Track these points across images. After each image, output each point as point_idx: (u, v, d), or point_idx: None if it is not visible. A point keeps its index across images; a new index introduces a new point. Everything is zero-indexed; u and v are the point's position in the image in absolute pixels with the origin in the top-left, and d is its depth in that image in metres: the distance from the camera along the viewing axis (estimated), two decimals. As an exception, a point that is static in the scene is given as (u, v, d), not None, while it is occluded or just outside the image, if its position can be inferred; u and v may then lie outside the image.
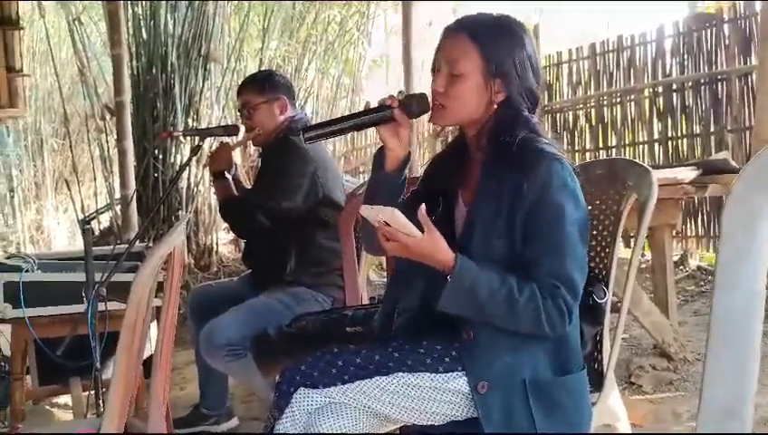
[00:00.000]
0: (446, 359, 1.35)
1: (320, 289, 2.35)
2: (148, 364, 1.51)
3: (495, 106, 1.38)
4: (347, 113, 7.04)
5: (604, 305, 1.50)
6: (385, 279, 4.54)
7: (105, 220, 5.65)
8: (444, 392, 1.34)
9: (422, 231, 1.28)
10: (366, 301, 2.49)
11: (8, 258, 2.53)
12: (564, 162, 1.34)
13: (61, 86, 7.04)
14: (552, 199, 1.31)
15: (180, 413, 2.63)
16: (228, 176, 2.44)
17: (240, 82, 2.74)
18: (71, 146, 7.02)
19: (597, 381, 1.50)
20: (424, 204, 1.30)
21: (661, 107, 5.50)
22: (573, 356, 1.38)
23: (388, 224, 1.28)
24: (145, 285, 1.13)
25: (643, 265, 3.93)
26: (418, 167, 4.04)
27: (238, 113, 2.57)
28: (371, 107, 1.48)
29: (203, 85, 5.51)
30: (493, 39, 1.37)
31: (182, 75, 5.37)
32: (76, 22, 5.77)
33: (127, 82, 4.54)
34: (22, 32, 6.11)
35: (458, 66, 1.37)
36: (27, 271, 2.34)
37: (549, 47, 6.54)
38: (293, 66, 6.27)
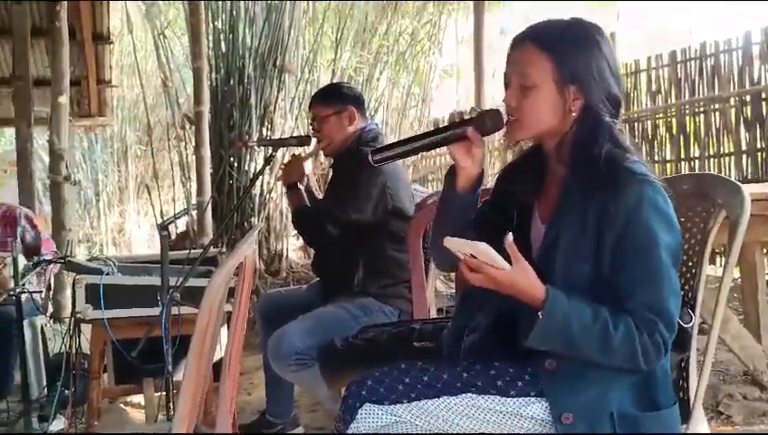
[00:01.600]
0: (519, 383, 1.29)
1: (387, 301, 2.33)
2: (216, 368, 1.53)
3: (574, 114, 1.30)
4: (416, 123, 7.10)
5: (691, 330, 1.40)
6: (452, 290, 4.49)
7: (182, 225, 5.85)
8: (515, 417, 1.28)
9: (508, 261, 1.21)
10: (434, 313, 2.46)
11: (90, 260, 2.63)
12: (656, 184, 1.25)
13: (145, 97, 7.38)
14: (643, 224, 1.22)
15: (247, 419, 2.67)
16: (301, 187, 2.47)
17: (312, 93, 2.79)
18: (152, 153, 7.33)
19: (683, 412, 1.40)
20: (510, 233, 1.23)
21: (749, 116, 5.22)
22: (664, 389, 1.30)
23: (473, 256, 1.22)
24: (217, 291, 1.15)
25: (731, 285, 3.69)
26: (489, 177, 3.98)
27: (311, 124, 2.61)
28: (442, 126, 1.44)
29: (277, 96, 5.65)
30: (564, 44, 1.30)
31: (258, 86, 5.53)
32: (161, 36, 6.05)
33: (206, 93, 4.71)
34: (111, 46, 6.47)
35: (528, 77, 1.30)
36: (108, 274, 2.43)
37: (627, 54, 6.34)
38: (365, 76, 6.33)
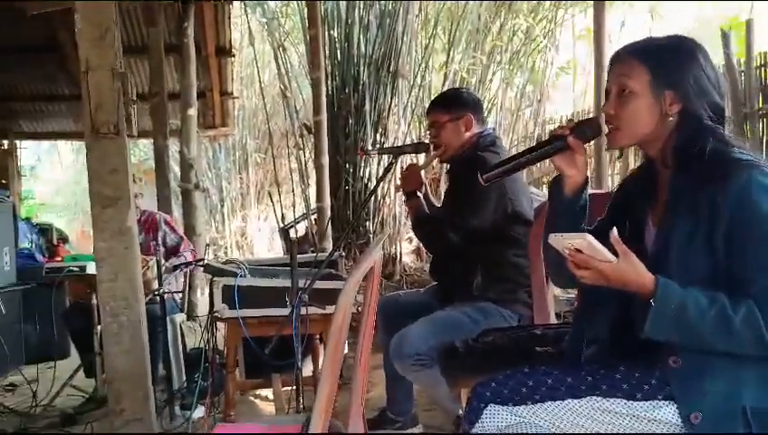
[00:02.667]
0: (645, 386, 1.29)
1: (506, 305, 2.33)
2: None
3: (671, 118, 1.35)
4: (531, 123, 6.94)
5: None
6: (569, 295, 4.37)
7: (301, 229, 6.11)
8: (643, 421, 1.28)
9: (615, 255, 1.23)
10: (553, 318, 2.42)
11: (225, 263, 2.83)
12: (764, 168, 1.26)
13: (266, 106, 7.77)
14: (756, 210, 1.22)
15: (368, 415, 2.75)
16: (419, 194, 2.51)
17: (424, 97, 2.83)
18: (273, 160, 7.69)
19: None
20: (615, 227, 1.26)
21: None
22: None
23: (579, 251, 1.24)
24: (352, 293, 1.22)
25: None
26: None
27: (423, 129, 2.66)
28: (543, 140, 1.49)
29: (390, 102, 5.75)
30: (659, 53, 1.37)
31: (372, 93, 5.67)
32: (280, 48, 6.34)
33: (324, 103, 4.89)
34: (233, 59, 6.88)
35: (627, 85, 1.37)
36: (241, 276, 2.61)
37: (763, 45, 5.85)
38: (478, 77, 6.29)
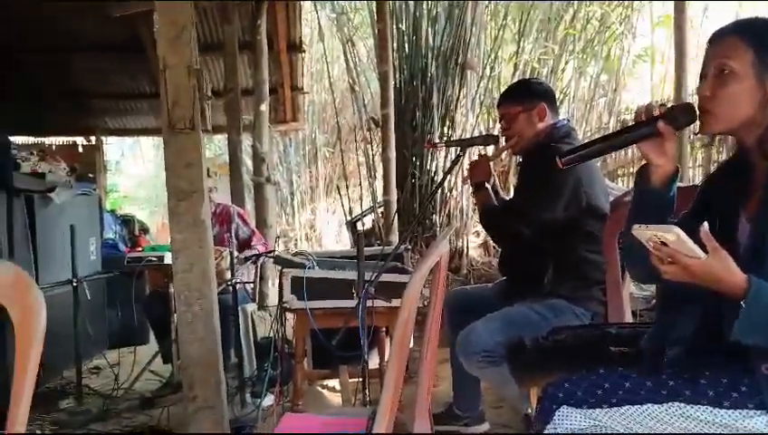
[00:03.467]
0: (734, 393, 1.21)
1: (579, 302, 2.25)
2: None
3: None
4: (605, 113, 6.70)
5: None
6: (645, 292, 4.19)
7: (368, 222, 6.15)
8: (729, 430, 1.20)
9: (704, 251, 1.15)
10: (628, 316, 2.33)
11: (294, 255, 2.88)
12: None
13: (335, 101, 7.85)
14: None
15: (433, 410, 2.73)
16: (488, 186, 2.46)
17: (493, 89, 2.77)
18: (341, 154, 7.77)
19: None
20: (706, 222, 1.18)
21: None
22: None
23: (664, 244, 1.16)
24: (416, 289, 1.20)
25: None
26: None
27: (492, 120, 2.60)
28: (630, 124, 1.38)
29: (459, 94, 5.69)
30: (767, 36, 1.28)
31: (440, 85, 5.62)
32: (349, 43, 6.39)
33: (391, 96, 4.89)
34: (304, 55, 6.98)
35: (728, 66, 1.28)
36: (309, 268, 2.64)
37: None
38: (549, 68, 6.13)
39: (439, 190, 5.54)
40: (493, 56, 5.98)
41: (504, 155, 5.68)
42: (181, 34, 2.25)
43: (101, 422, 3.06)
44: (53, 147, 7.72)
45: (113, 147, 10.24)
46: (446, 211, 5.71)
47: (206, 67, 6.56)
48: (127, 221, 6.18)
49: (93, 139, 7.95)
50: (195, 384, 2.35)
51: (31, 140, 7.58)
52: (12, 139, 4.61)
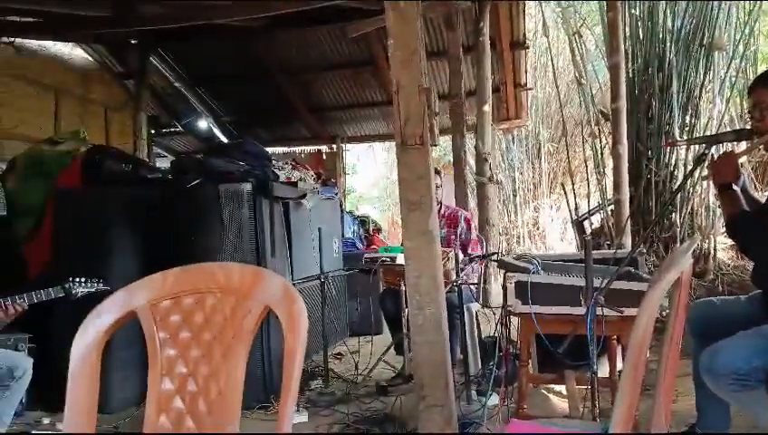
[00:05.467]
0: None
1: None
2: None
3: None
4: None
5: None
6: None
7: (596, 221, 5.86)
8: None
9: None
10: None
11: (518, 258, 2.88)
12: None
13: (559, 94, 7.61)
14: None
15: (672, 429, 2.53)
16: (736, 188, 2.18)
17: (748, 69, 2.43)
18: (566, 149, 7.51)
19: None
20: None
21: None
22: None
23: None
24: (654, 307, 1.13)
25: None
26: None
27: (748, 112, 2.29)
28: None
29: (703, 79, 5.14)
30: None
31: (680, 71, 5.13)
32: (575, 35, 6.14)
33: (623, 88, 4.60)
34: (527, 51, 6.88)
35: None
36: (534, 272, 2.62)
37: None
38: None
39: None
40: (747, 30, 5.25)
41: (759, 149, 4.99)
42: (412, 57, 2.39)
43: (344, 404, 3.38)
44: (302, 155, 8.78)
45: (351, 152, 11.17)
46: (689, 208, 5.18)
47: (431, 72, 6.83)
48: (363, 221, 6.75)
49: (335, 146, 8.81)
50: (425, 384, 2.47)
51: (284, 149, 8.69)
52: (270, 150, 5.32)
